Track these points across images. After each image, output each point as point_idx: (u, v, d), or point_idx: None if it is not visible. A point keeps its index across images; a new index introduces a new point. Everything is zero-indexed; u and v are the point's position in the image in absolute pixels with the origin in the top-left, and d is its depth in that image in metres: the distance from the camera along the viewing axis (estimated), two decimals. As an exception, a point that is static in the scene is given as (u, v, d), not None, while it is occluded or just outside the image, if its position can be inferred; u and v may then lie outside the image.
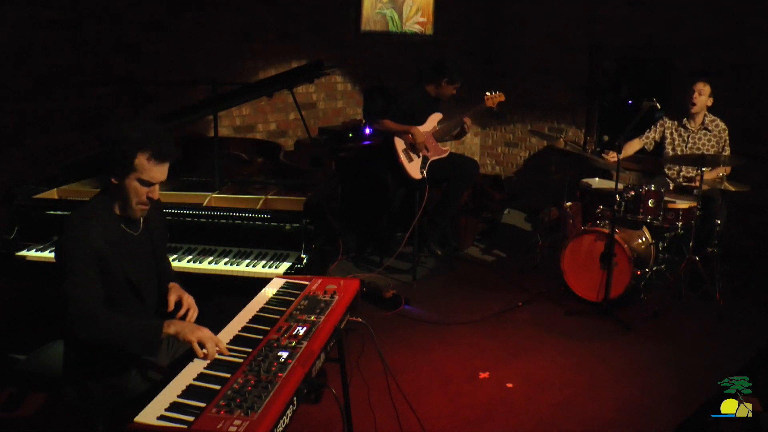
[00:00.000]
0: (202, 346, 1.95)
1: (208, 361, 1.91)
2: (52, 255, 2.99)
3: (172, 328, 2.02)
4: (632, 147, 4.95)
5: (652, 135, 4.96)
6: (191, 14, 4.58)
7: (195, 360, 1.92)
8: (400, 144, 4.74)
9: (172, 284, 2.37)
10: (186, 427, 1.58)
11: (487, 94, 4.96)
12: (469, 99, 6.57)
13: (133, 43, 4.30)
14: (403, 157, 4.73)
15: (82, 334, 1.99)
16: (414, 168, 4.74)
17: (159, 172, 2.14)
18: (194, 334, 1.97)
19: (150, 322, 2.06)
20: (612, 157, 4.44)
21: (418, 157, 4.78)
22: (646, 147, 5.00)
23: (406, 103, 4.81)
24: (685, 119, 4.81)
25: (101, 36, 4.13)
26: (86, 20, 4.04)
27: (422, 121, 4.83)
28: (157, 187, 2.18)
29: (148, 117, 2.19)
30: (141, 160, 2.09)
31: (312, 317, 2.16)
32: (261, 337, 2.05)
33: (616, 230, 4.19)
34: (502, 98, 4.97)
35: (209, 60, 4.71)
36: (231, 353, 1.96)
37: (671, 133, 4.88)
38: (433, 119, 4.92)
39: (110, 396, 2.14)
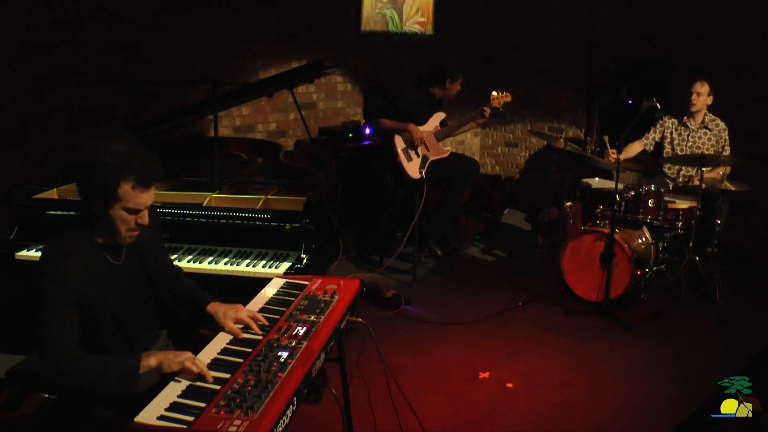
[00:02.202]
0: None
1: (209, 361, 1.91)
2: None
3: (152, 359, 1.87)
4: (633, 149, 4.95)
5: (652, 136, 4.96)
6: (191, 14, 4.58)
7: (176, 379, 1.85)
8: (399, 143, 4.74)
9: (214, 308, 2.20)
10: (186, 427, 1.58)
11: (494, 93, 4.90)
12: (470, 98, 6.58)
13: (133, 43, 4.30)
14: (402, 156, 4.73)
15: (54, 379, 1.86)
16: (413, 167, 4.74)
17: (146, 197, 1.97)
18: (177, 364, 1.84)
19: (126, 357, 1.91)
20: (613, 156, 4.45)
21: (418, 156, 4.78)
22: (647, 149, 5.01)
23: (403, 105, 4.82)
24: (685, 118, 4.81)
25: (101, 36, 4.13)
26: (86, 20, 4.04)
27: (422, 122, 4.83)
28: (146, 211, 2.01)
29: (122, 134, 2.00)
30: (125, 188, 1.90)
31: (312, 317, 2.16)
32: (261, 337, 2.04)
33: (616, 230, 4.19)
34: (509, 99, 4.91)
35: (209, 60, 4.71)
36: (230, 353, 1.96)
37: (671, 132, 4.88)
38: (435, 119, 4.92)
39: (109, 397, 2.14)
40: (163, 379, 1.86)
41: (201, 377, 1.81)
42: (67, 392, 1.94)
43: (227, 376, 1.81)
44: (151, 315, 2.24)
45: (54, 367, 1.85)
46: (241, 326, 2.12)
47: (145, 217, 2.01)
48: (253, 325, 2.10)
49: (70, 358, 1.85)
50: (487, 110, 4.86)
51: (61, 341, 1.86)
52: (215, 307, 2.21)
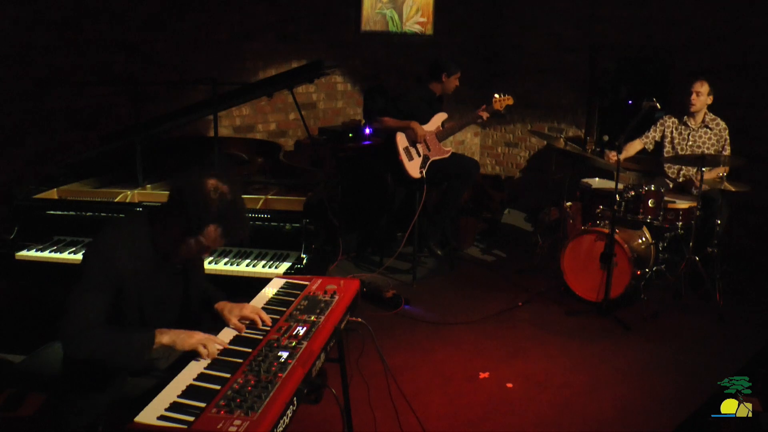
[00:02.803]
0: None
1: (209, 361, 1.92)
2: (53, 255, 3.00)
3: (165, 337, 1.98)
4: (633, 148, 4.95)
5: (652, 135, 4.96)
6: (191, 14, 4.57)
7: (194, 360, 1.92)
8: (401, 142, 4.74)
9: (220, 305, 2.25)
10: (186, 427, 1.58)
11: (496, 96, 4.88)
12: (470, 99, 6.59)
13: (133, 43, 4.29)
14: (403, 155, 4.73)
15: (70, 350, 1.95)
16: (413, 167, 4.74)
17: (221, 244, 2.11)
18: (189, 342, 1.95)
19: (141, 333, 2.00)
20: (613, 156, 4.45)
21: (419, 156, 4.78)
22: (646, 147, 5.01)
23: (404, 104, 4.81)
24: (685, 117, 4.81)
25: (101, 36, 4.13)
26: (86, 20, 4.04)
27: (424, 121, 4.83)
28: (209, 253, 2.13)
29: (234, 183, 2.10)
30: (211, 230, 2.03)
31: (312, 317, 2.16)
32: (261, 337, 2.05)
33: (616, 230, 4.19)
34: (511, 101, 4.89)
35: (209, 60, 4.70)
36: (231, 353, 1.96)
37: (671, 132, 4.88)
38: (438, 119, 4.92)
39: (110, 396, 2.14)
40: (162, 378, 1.87)
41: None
42: (81, 363, 2.01)
43: (227, 375, 1.81)
44: (174, 322, 2.26)
45: (72, 337, 1.93)
46: (247, 322, 2.17)
47: (206, 256, 2.13)
48: (258, 321, 2.14)
49: (89, 331, 1.93)
50: (485, 115, 4.86)
51: (86, 316, 1.95)
52: (222, 305, 2.26)
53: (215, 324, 2.21)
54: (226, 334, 2.09)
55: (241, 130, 5.06)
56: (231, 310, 2.20)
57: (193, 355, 1.95)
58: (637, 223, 4.39)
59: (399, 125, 4.73)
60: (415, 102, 4.85)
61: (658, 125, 4.94)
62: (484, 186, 6.08)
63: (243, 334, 2.10)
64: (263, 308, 2.27)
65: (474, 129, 7.30)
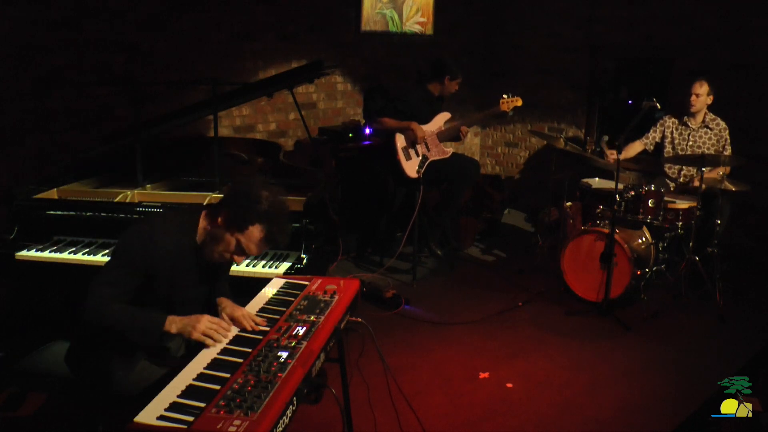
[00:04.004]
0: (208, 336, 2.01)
1: (211, 359, 1.92)
2: (53, 255, 3.01)
3: (173, 327, 2.06)
4: (633, 149, 4.95)
5: (652, 136, 4.96)
6: (191, 14, 4.57)
7: (197, 357, 1.92)
8: (400, 141, 4.74)
9: (221, 300, 2.31)
10: (186, 427, 1.58)
11: (504, 97, 4.85)
12: (472, 99, 6.59)
13: (133, 42, 4.30)
14: (401, 154, 4.73)
15: (89, 317, 2.06)
16: (411, 167, 4.74)
17: (259, 249, 2.15)
18: (197, 330, 2.01)
19: (153, 315, 2.09)
20: (612, 155, 4.45)
21: (417, 156, 4.78)
22: (647, 148, 5.00)
23: (404, 104, 4.81)
24: (685, 117, 4.81)
25: (101, 36, 4.13)
26: (86, 20, 4.04)
27: (425, 121, 4.83)
28: (244, 257, 2.18)
29: (283, 197, 2.22)
30: (255, 230, 2.09)
31: (312, 317, 2.16)
32: (261, 337, 2.05)
33: (616, 230, 4.19)
34: (519, 103, 4.84)
35: (209, 60, 4.71)
36: (230, 353, 1.96)
37: (671, 132, 4.88)
38: (440, 119, 4.91)
39: (110, 394, 2.15)
40: (163, 377, 1.87)
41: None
42: (98, 333, 2.14)
43: (227, 375, 1.81)
44: (196, 311, 2.30)
45: (93, 310, 2.04)
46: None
47: (240, 261, 2.19)
48: (243, 323, 2.15)
49: (109, 304, 2.05)
50: (464, 132, 4.89)
51: (110, 293, 2.06)
52: (221, 300, 2.31)
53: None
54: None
55: (241, 130, 5.06)
56: (225, 308, 2.25)
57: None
58: (637, 223, 4.38)
59: (398, 126, 4.73)
60: (416, 102, 4.85)
61: (658, 126, 4.94)
62: (484, 186, 6.08)
63: (243, 334, 2.10)
64: (263, 308, 2.28)
65: (474, 129, 7.29)
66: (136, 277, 2.09)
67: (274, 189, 2.17)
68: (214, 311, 2.25)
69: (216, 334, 2.01)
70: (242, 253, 2.14)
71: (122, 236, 2.14)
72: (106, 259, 2.74)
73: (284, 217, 2.15)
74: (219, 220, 2.12)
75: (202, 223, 2.19)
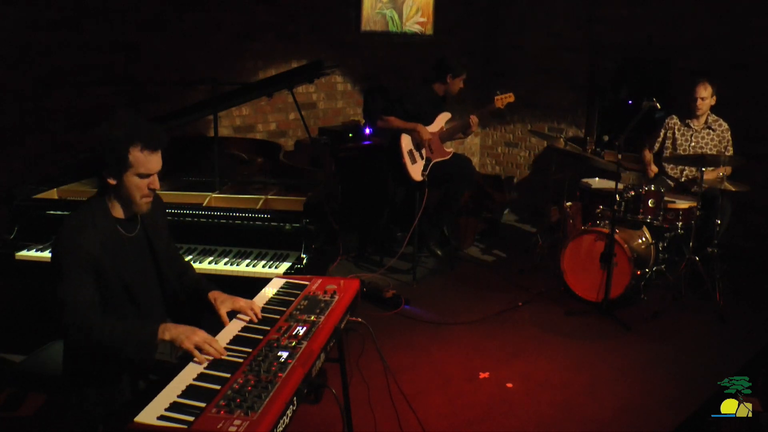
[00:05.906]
0: (200, 350, 1.94)
1: (208, 361, 1.91)
2: (52, 255, 2.99)
3: (167, 334, 1.99)
4: (648, 156, 5.02)
5: (660, 140, 4.97)
6: (191, 14, 4.57)
7: (192, 361, 1.92)
8: (405, 144, 4.73)
9: (214, 295, 2.30)
10: (186, 427, 1.58)
11: (497, 93, 4.91)
12: (471, 99, 6.58)
13: (133, 43, 4.29)
14: (407, 158, 4.73)
15: (77, 342, 2.01)
16: (416, 170, 4.74)
17: (154, 161, 2.15)
18: (190, 341, 1.95)
19: (145, 327, 2.04)
20: (655, 170, 4.49)
21: (422, 158, 4.78)
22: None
23: (411, 104, 4.81)
24: (688, 119, 4.81)
25: (101, 36, 4.12)
26: (86, 20, 4.04)
27: (428, 122, 4.82)
28: (155, 176, 2.18)
29: (126, 110, 2.24)
30: (134, 154, 2.10)
31: (312, 317, 2.16)
32: (261, 337, 2.05)
33: (616, 230, 4.19)
34: (512, 99, 4.91)
35: (209, 60, 4.70)
36: (230, 353, 1.96)
37: (673, 132, 4.89)
38: (441, 119, 4.91)
39: (109, 396, 2.14)
40: (163, 377, 1.87)
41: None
42: (88, 354, 2.08)
43: (227, 375, 1.81)
44: (156, 292, 2.33)
45: (78, 331, 1.98)
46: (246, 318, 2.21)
47: (155, 182, 2.17)
48: (250, 313, 2.17)
49: (93, 321, 1.99)
50: (475, 122, 4.84)
51: (83, 304, 2.00)
52: (215, 294, 2.31)
53: (215, 317, 2.23)
54: (226, 335, 2.09)
55: (241, 130, 5.06)
56: (223, 301, 2.26)
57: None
58: (637, 223, 4.39)
59: (405, 126, 4.73)
60: (422, 103, 4.85)
61: (662, 128, 4.95)
62: (484, 186, 6.08)
63: (243, 334, 2.10)
64: (263, 308, 2.27)
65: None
66: (89, 279, 2.05)
67: (118, 113, 2.18)
68: (172, 293, 2.29)
69: (208, 348, 1.94)
70: (147, 176, 2.14)
71: (54, 245, 2.11)
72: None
73: (140, 122, 2.14)
74: (109, 180, 2.13)
75: (108, 201, 2.19)
